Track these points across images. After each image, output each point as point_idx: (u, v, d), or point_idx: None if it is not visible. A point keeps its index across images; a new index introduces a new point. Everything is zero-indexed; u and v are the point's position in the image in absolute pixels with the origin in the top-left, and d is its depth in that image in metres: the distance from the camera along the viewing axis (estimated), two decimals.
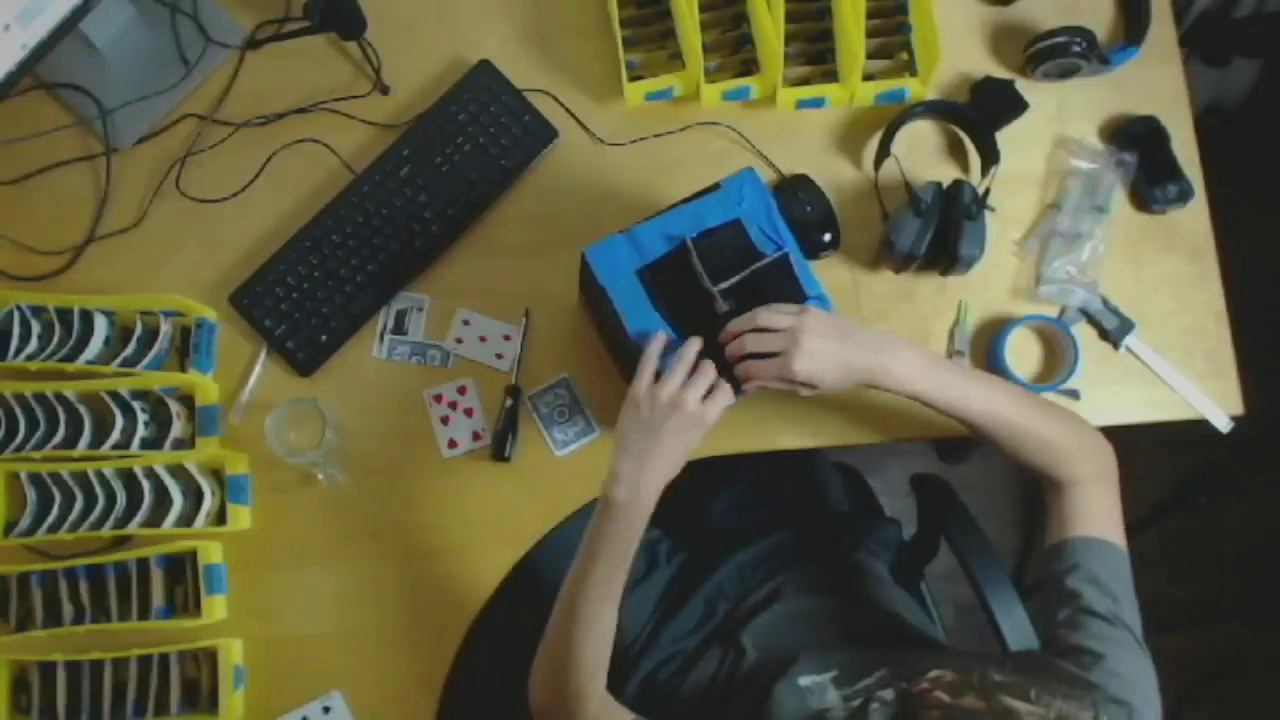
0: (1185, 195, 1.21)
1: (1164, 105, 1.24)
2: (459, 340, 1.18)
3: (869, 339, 0.94)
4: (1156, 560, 1.99)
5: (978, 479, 2.00)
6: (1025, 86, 1.23)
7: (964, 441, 2.01)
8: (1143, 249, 1.22)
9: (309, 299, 1.17)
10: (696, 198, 1.02)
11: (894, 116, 1.20)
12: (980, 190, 1.16)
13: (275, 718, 1.10)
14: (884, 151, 1.19)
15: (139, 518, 1.08)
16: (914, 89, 1.22)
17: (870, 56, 1.20)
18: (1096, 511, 0.97)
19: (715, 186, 1.02)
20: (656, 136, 1.23)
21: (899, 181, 1.18)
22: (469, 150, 1.21)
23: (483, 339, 1.18)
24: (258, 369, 1.17)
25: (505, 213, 1.22)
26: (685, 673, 1.11)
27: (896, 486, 1.45)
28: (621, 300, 0.99)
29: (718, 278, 0.98)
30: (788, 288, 1.00)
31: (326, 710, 1.11)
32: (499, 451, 1.14)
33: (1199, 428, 1.19)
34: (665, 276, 1.00)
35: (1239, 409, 1.19)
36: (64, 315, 1.13)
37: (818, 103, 1.23)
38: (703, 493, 1.31)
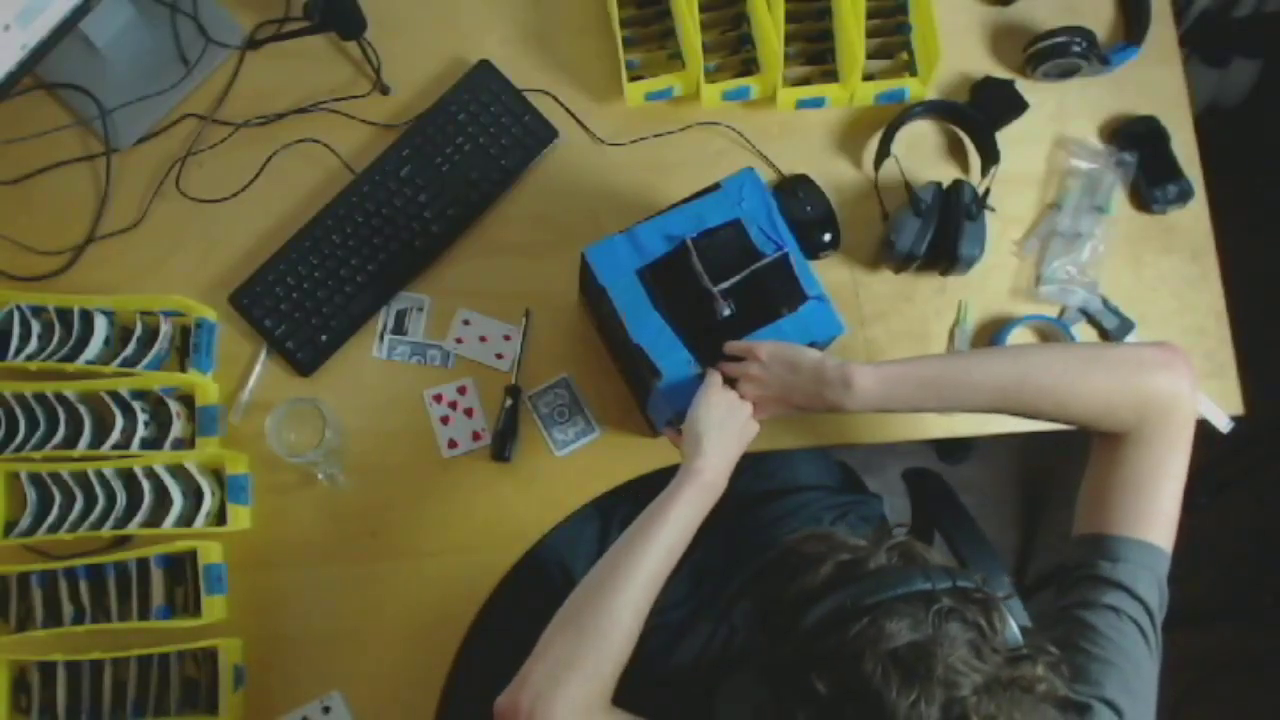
0: (1185, 195, 1.21)
1: (1164, 105, 1.24)
2: (459, 340, 1.18)
3: (810, 377, 0.94)
4: None
5: (977, 479, 1.99)
6: (1025, 86, 1.23)
7: (964, 441, 2.03)
8: (1143, 249, 1.22)
9: (309, 299, 1.17)
10: (696, 198, 1.02)
11: (894, 116, 1.20)
12: (980, 190, 1.16)
13: (275, 718, 1.10)
14: (884, 151, 1.19)
15: (139, 518, 1.08)
16: (914, 89, 1.22)
17: (870, 56, 1.20)
18: (1134, 493, 0.89)
19: (715, 186, 1.02)
20: (656, 136, 1.23)
21: (899, 181, 1.18)
22: (469, 150, 1.21)
23: (483, 339, 1.18)
24: (258, 369, 1.17)
25: (505, 213, 1.22)
26: (673, 645, 1.12)
27: (896, 486, 1.45)
28: (621, 300, 0.99)
29: (718, 278, 0.98)
30: (787, 288, 1.00)
31: (326, 710, 1.10)
32: (499, 451, 1.14)
33: (1199, 428, 1.17)
34: (665, 276, 1.00)
35: (1239, 409, 1.19)
36: (64, 315, 1.13)
37: (818, 103, 1.23)
38: None
